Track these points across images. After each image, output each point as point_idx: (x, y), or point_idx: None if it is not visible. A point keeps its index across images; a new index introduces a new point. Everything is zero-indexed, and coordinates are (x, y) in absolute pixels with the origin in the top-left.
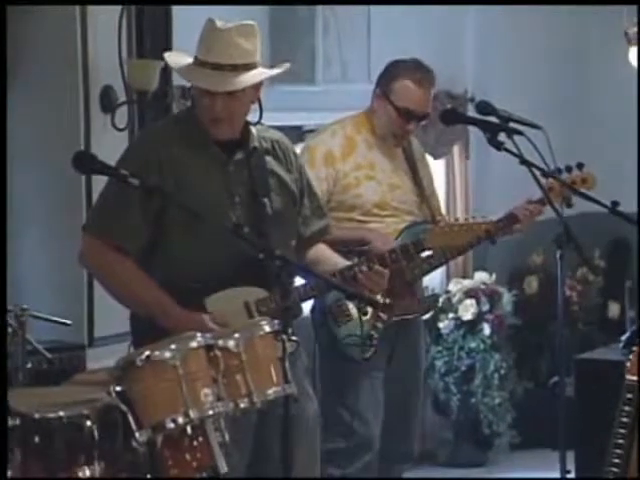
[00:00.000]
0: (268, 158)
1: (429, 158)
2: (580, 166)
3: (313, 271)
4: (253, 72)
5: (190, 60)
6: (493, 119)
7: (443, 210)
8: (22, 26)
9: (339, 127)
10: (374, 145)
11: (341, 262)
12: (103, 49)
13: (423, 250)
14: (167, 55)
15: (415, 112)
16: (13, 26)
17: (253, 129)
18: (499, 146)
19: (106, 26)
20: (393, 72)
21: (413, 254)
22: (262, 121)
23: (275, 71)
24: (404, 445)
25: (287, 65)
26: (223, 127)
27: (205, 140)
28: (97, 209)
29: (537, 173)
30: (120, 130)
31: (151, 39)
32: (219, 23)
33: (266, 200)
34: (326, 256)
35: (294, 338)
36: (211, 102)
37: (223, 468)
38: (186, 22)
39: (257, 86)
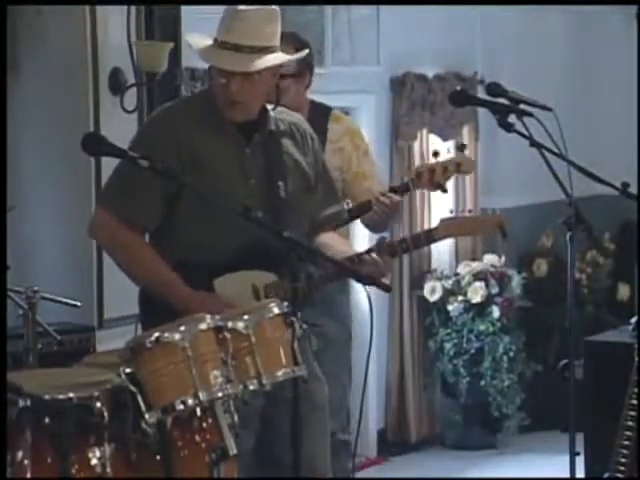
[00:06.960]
0: (285, 140)
1: (437, 139)
2: (462, 147)
3: (323, 254)
4: (271, 55)
5: (210, 42)
6: (503, 101)
7: (452, 192)
8: (31, 9)
9: None
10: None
11: (351, 250)
12: (112, 31)
13: (434, 240)
14: (188, 36)
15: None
16: (23, 9)
17: (271, 111)
18: (509, 128)
19: (115, 8)
20: None
21: (424, 244)
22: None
23: (294, 57)
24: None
25: (306, 51)
26: (238, 110)
27: (222, 122)
28: (113, 185)
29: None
30: (129, 112)
31: (160, 21)
32: (241, 6)
33: (281, 183)
34: (335, 242)
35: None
36: (227, 83)
37: (232, 449)
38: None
39: (275, 71)
